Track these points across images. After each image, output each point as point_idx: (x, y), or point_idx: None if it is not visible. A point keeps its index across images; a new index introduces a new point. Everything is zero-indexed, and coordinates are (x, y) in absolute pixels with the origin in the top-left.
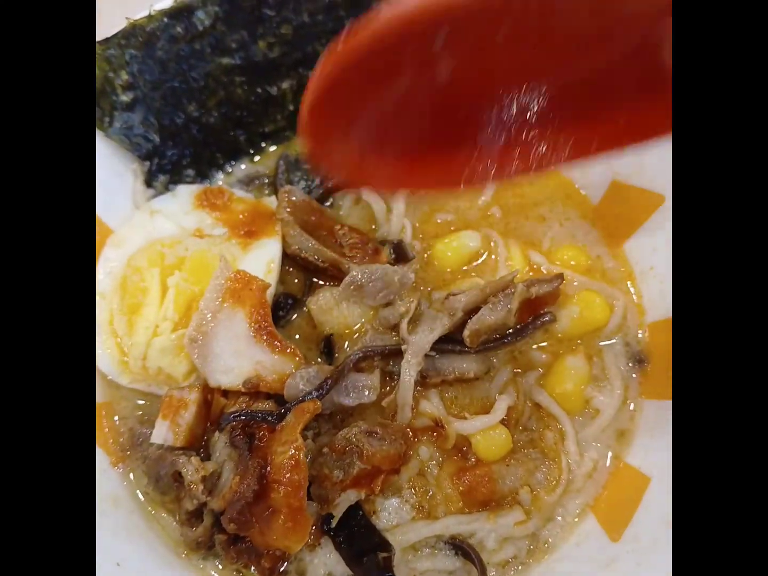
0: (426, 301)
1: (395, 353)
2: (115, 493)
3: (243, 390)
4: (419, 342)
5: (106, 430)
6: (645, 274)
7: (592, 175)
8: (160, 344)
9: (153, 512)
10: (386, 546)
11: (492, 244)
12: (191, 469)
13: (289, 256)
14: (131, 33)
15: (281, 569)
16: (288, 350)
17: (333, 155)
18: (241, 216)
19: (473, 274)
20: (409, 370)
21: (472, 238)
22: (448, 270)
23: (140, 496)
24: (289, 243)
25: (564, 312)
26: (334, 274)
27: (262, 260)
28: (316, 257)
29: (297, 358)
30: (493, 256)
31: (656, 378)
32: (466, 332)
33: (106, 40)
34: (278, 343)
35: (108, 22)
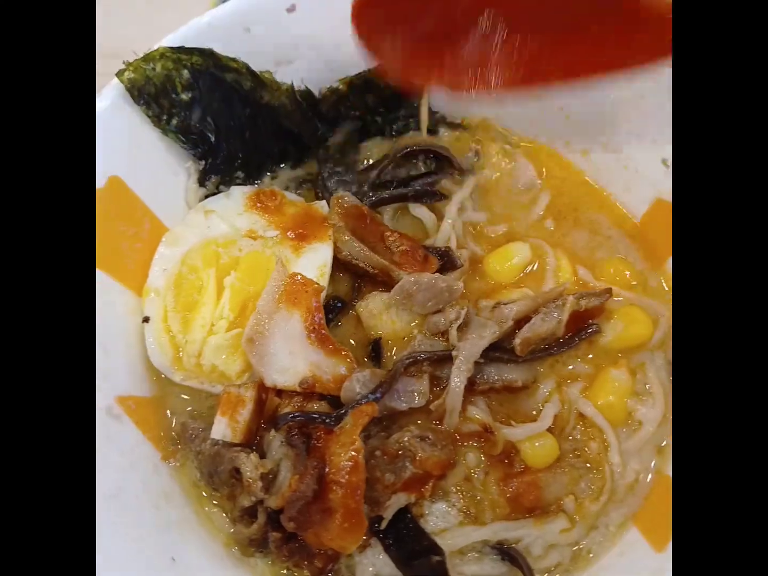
0: (474, 309)
1: (444, 359)
2: (167, 488)
3: (299, 390)
4: (470, 349)
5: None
6: None
7: (635, 192)
8: (216, 342)
9: (205, 508)
10: (437, 549)
11: (544, 256)
12: (251, 465)
13: (340, 261)
14: (207, 53)
15: (331, 568)
16: (341, 352)
17: (379, 44)
18: (293, 219)
19: (521, 284)
20: (459, 375)
21: (522, 250)
22: (493, 281)
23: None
24: (341, 248)
25: (608, 326)
26: (384, 281)
27: (315, 264)
28: (367, 264)
29: (349, 361)
30: (538, 266)
31: None
32: (517, 340)
33: (181, 48)
34: (332, 346)
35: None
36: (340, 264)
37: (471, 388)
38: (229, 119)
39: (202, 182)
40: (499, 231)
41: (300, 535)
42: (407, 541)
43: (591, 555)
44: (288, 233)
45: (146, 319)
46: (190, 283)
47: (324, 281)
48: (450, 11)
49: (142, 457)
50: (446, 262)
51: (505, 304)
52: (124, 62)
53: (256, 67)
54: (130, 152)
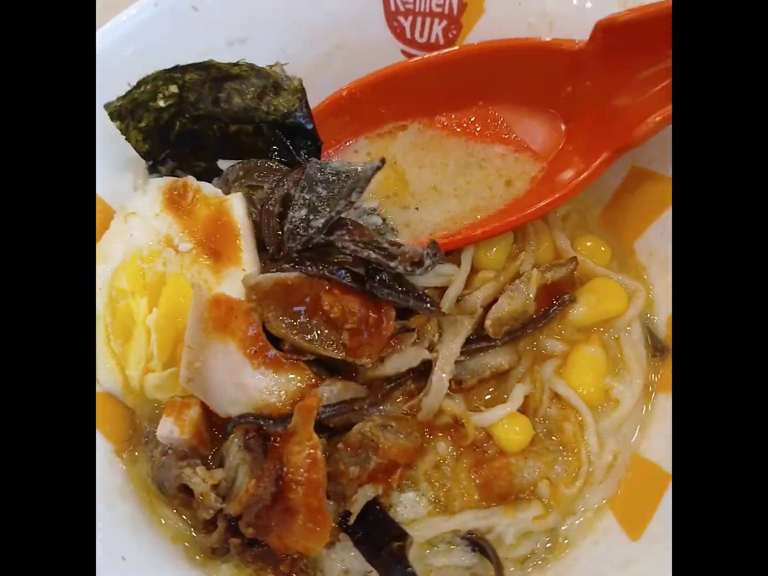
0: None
1: (426, 369)
2: (121, 485)
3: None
4: (449, 350)
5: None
6: (662, 265)
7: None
8: (154, 381)
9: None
10: (401, 535)
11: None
12: (198, 480)
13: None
14: (206, 67)
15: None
16: (293, 366)
17: None
18: (204, 227)
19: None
20: (441, 379)
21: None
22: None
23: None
24: (283, 341)
25: (581, 300)
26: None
27: (237, 290)
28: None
29: (304, 371)
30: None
31: None
32: (487, 322)
33: (175, 67)
34: (281, 363)
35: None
36: None
37: (459, 387)
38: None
39: (154, 168)
40: None
41: (263, 540)
42: (376, 533)
43: (567, 541)
44: (202, 249)
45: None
46: (123, 310)
47: None
48: None
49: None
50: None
51: (468, 294)
52: (117, 97)
53: (208, 46)
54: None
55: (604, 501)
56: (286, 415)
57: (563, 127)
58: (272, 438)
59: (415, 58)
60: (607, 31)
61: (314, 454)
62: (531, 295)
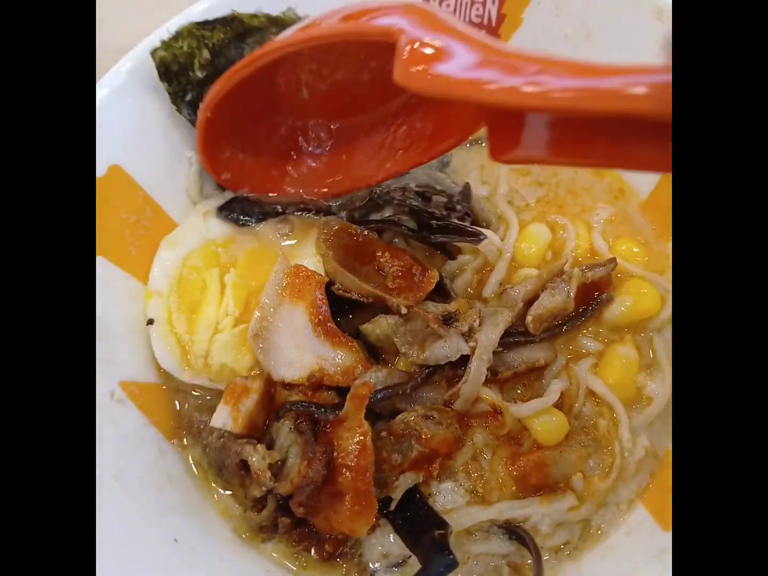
0: (481, 304)
1: (464, 359)
2: (172, 471)
3: (306, 383)
4: (488, 339)
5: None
6: None
7: None
8: (223, 340)
9: (212, 493)
10: (442, 524)
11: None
12: (257, 457)
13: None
14: (229, 21)
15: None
16: (348, 344)
17: (223, 165)
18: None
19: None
20: (480, 366)
21: (542, 230)
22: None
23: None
24: (333, 280)
25: (617, 300)
26: (383, 307)
27: (313, 252)
28: (359, 294)
29: (356, 351)
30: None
31: None
32: (528, 318)
33: (206, 22)
34: (338, 338)
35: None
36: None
37: (495, 378)
38: None
39: None
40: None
41: (310, 520)
42: (417, 519)
43: (600, 533)
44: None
45: (150, 321)
46: (192, 284)
47: (323, 269)
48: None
49: (146, 441)
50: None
51: (510, 287)
52: (161, 41)
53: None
54: (131, 141)
55: (635, 494)
56: (336, 403)
57: None
58: (322, 423)
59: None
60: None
61: (364, 441)
62: (572, 294)
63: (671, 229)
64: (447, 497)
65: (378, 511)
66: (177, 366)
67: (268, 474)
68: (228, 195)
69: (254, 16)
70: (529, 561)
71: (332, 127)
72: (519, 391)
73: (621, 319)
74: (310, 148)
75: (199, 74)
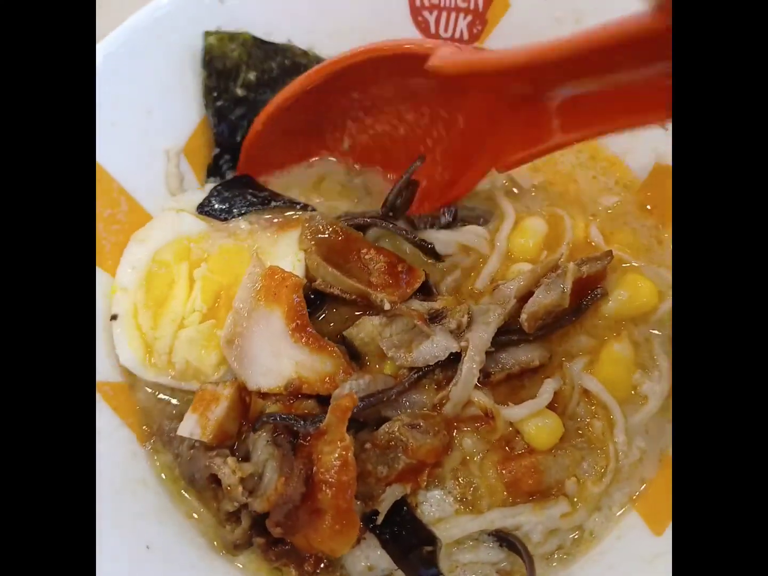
0: (471, 302)
1: (454, 360)
2: (144, 476)
3: (284, 393)
4: (480, 339)
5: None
6: None
7: (634, 157)
8: (187, 336)
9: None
10: (431, 540)
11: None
12: (227, 471)
13: (315, 290)
14: (283, 50)
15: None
16: (327, 349)
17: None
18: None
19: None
20: (471, 368)
21: (538, 223)
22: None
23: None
24: (314, 276)
25: (612, 295)
26: (367, 305)
27: (291, 251)
28: (341, 290)
29: (335, 356)
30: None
31: None
32: (523, 316)
33: (264, 41)
34: (317, 343)
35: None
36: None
37: (487, 380)
38: None
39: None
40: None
41: (288, 539)
42: (404, 534)
43: (593, 537)
44: (257, 223)
45: (114, 317)
46: (161, 278)
47: (300, 269)
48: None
49: (120, 443)
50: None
51: (503, 284)
52: (216, 29)
53: None
54: (105, 133)
55: (629, 498)
56: (316, 414)
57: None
58: (301, 435)
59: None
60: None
61: (345, 456)
62: (567, 289)
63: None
64: (435, 507)
65: (363, 524)
66: (139, 363)
67: (240, 489)
68: (209, 187)
69: (306, 53)
70: (519, 568)
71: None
72: (510, 391)
73: (617, 312)
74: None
75: (239, 92)
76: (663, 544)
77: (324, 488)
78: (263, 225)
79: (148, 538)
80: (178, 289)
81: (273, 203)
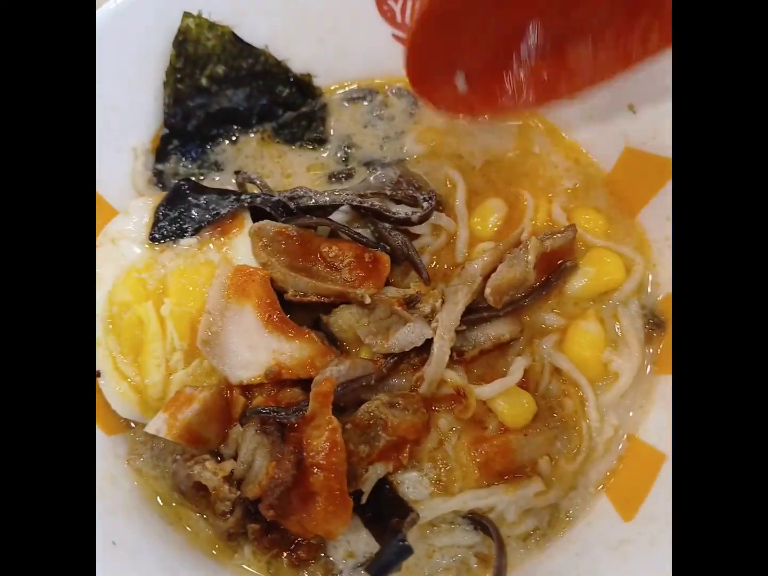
0: (443, 285)
1: (429, 344)
2: (113, 472)
3: (266, 381)
4: (448, 318)
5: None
6: (660, 244)
7: (604, 142)
8: (180, 380)
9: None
10: (405, 512)
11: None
12: (208, 475)
13: (288, 302)
14: (257, 54)
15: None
16: (304, 335)
17: (431, 86)
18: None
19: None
20: (442, 347)
21: (497, 203)
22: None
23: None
24: (284, 288)
25: (577, 272)
26: (343, 302)
27: (246, 251)
28: (319, 295)
29: (313, 342)
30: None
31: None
32: (487, 290)
33: (241, 40)
34: (292, 330)
35: None
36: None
37: (461, 358)
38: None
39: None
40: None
41: (281, 524)
42: (387, 512)
43: (569, 518)
44: (204, 234)
45: (98, 374)
46: (128, 323)
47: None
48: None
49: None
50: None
51: (469, 263)
52: (198, 12)
53: None
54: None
55: (605, 476)
56: (299, 402)
57: None
58: (288, 424)
59: None
60: None
61: (334, 438)
62: (531, 264)
63: (635, 206)
64: (411, 488)
65: None
66: (139, 413)
67: (226, 487)
68: (135, 207)
69: (279, 63)
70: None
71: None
72: (483, 372)
73: (585, 290)
74: (527, 56)
75: (203, 82)
76: (631, 530)
77: (315, 471)
78: (212, 233)
79: (115, 534)
80: (151, 332)
81: (220, 210)
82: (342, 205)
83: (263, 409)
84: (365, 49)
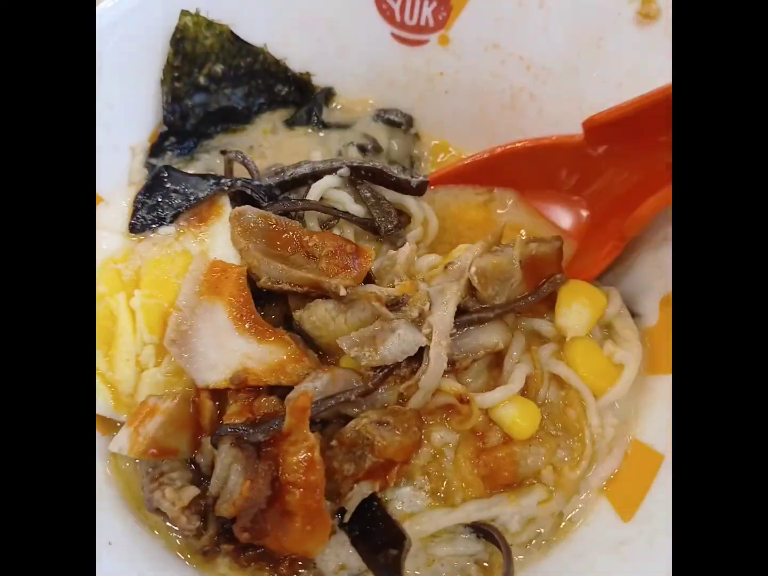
0: (427, 286)
1: (421, 351)
2: (109, 471)
3: (231, 387)
4: (441, 320)
5: None
6: (660, 243)
7: None
8: (153, 379)
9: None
10: (398, 541)
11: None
12: (166, 504)
13: (263, 291)
14: (256, 53)
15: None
16: (280, 337)
17: None
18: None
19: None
20: (440, 353)
21: None
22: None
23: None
24: (257, 275)
25: (569, 315)
26: (320, 295)
27: (226, 245)
28: (291, 283)
29: (289, 346)
30: None
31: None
32: (472, 270)
33: (239, 38)
34: (266, 332)
35: None
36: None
37: (453, 368)
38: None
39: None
40: None
41: (258, 544)
42: (374, 531)
43: (572, 522)
44: (181, 221)
45: None
46: (101, 315)
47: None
48: None
49: None
50: None
51: (453, 262)
52: (196, 9)
53: None
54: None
55: (607, 479)
56: (276, 413)
57: (584, 213)
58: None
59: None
60: (592, 130)
61: (311, 456)
62: (515, 258)
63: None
64: (405, 503)
65: (333, 519)
66: (112, 409)
67: (184, 519)
68: (117, 199)
69: (278, 61)
70: (497, 558)
71: None
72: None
73: (587, 328)
74: None
75: (202, 80)
76: (630, 531)
77: (292, 489)
78: (190, 222)
79: (111, 534)
80: (122, 325)
81: (198, 194)
82: (341, 168)
83: (236, 428)
84: (364, 48)
